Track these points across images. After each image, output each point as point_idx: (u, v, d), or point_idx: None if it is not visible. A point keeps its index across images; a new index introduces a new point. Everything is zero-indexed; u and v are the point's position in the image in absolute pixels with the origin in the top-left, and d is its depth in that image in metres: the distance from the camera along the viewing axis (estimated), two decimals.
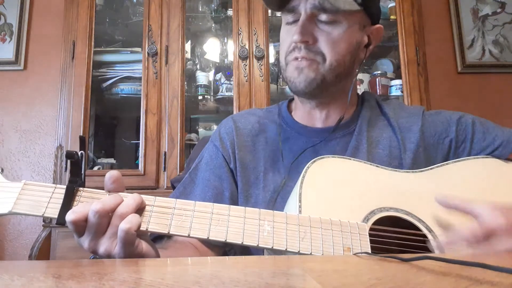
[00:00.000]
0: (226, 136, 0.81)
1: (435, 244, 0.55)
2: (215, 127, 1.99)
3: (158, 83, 1.67)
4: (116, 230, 0.49)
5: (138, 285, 0.29)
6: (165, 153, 1.62)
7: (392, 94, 1.84)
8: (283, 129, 0.81)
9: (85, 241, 0.50)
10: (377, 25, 0.79)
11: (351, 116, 0.81)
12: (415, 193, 0.63)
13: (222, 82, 1.85)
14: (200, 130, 1.99)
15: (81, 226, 0.49)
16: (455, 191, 0.64)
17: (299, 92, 0.75)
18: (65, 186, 0.52)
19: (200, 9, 1.92)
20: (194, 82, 1.84)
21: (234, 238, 0.51)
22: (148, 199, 0.53)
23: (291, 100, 0.87)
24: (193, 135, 1.85)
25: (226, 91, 1.82)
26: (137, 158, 1.72)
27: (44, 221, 1.55)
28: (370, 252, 0.52)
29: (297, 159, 0.74)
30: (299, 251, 0.51)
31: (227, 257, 0.73)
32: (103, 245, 0.50)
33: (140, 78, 1.71)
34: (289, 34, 0.74)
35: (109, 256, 0.50)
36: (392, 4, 1.88)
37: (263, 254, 0.57)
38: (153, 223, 0.51)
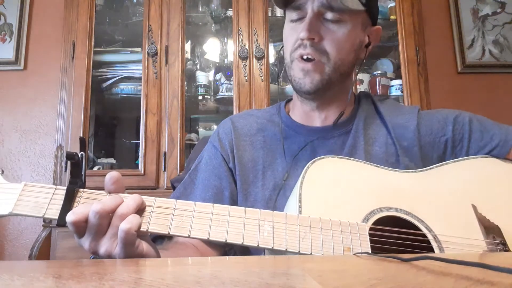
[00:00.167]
0: (224, 136, 0.82)
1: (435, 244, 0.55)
2: (215, 127, 1.99)
3: (158, 83, 1.67)
4: (116, 231, 0.49)
5: (138, 285, 0.29)
6: (165, 153, 1.62)
7: (392, 94, 1.84)
8: (282, 128, 0.82)
9: (86, 241, 0.50)
10: (377, 26, 0.81)
11: (348, 115, 0.81)
12: (415, 193, 0.63)
13: (222, 82, 1.85)
14: (200, 130, 1.99)
15: (81, 227, 0.50)
16: (455, 191, 0.64)
17: (304, 92, 0.75)
18: (65, 187, 0.52)
19: (200, 9, 1.92)
20: (194, 82, 1.84)
21: (234, 238, 0.51)
22: (148, 199, 0.53)
23: (289, 100, 0.88)
24: (193, 135, 1.85)
25: (226, 91, 1.82)
26: (137, 158, 1.72)
27: (44, 221, 1.54)
28: (370, 252, 0.52)
29: (296, 157, 0.75)
30: (299, 251, 0.51)
31: (227, 257, 0.74)
32: (104, 246, 0.50)
33: (140, 78, 1.71)
34: (294, 31, 0.75)
35: (109, 256, 0.50)
36: (392, 4, 1.88)
37: (263, 254, 0.57)
38: (153, 224, 0.51)
